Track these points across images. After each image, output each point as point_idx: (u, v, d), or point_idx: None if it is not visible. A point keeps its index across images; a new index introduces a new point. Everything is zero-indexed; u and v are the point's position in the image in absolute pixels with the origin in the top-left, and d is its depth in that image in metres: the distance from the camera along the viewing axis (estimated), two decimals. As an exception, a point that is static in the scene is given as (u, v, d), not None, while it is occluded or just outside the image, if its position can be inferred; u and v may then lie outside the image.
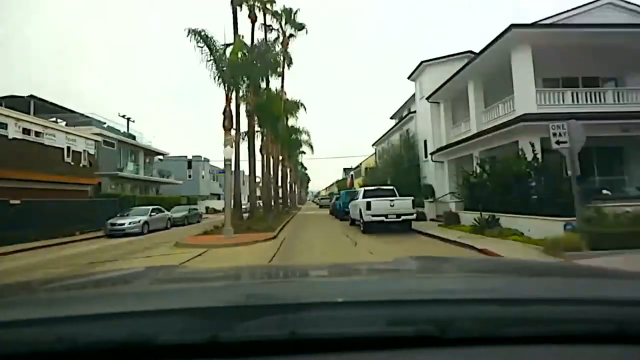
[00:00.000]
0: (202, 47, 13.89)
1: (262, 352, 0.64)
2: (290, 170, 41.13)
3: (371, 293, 0.88)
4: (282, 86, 25.84)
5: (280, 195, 32.25)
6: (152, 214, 18.58)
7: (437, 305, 0.75)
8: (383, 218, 12.61)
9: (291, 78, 38.31)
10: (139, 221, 17.14)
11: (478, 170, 12.52)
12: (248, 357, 0.63)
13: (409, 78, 21.77)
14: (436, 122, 18.70)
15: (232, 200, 16.10)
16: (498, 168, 11.57)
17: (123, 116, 31.46)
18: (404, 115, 25.73)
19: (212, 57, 14.04)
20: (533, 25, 12.64)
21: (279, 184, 30.99)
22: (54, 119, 22.28)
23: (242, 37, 17.56)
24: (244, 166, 21.86)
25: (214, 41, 14.07)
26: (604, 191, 11.20)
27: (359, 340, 0.66)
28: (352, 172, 50.02)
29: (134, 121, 32.37)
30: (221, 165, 18.93)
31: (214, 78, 14.17)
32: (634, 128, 11.35)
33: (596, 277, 1.18)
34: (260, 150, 23.36)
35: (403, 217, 12.69)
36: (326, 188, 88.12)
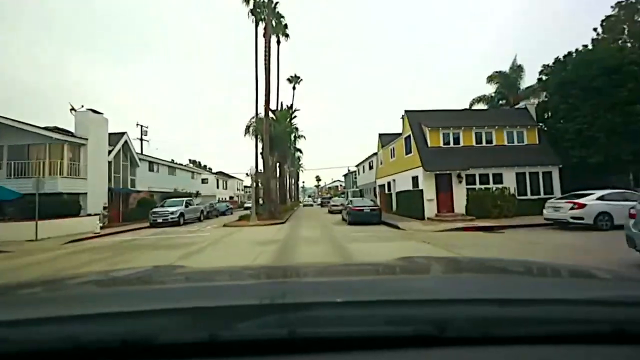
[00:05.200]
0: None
1: (261, 352, 0.64)
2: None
3: (370, 293, 0.87)
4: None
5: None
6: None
7: (436, 305, 0.75)
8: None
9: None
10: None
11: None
12: (247, 356, 0.64)
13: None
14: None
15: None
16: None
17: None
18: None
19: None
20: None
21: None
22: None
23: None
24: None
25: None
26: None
27: (357, 339, 0.65)
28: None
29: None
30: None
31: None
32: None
33: (593, 278, 1.19)
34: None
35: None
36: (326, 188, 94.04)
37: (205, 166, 60.96)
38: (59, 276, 3.28)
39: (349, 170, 51.93)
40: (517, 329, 0.69)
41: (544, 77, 22.21)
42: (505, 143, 18.65)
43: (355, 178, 43.89)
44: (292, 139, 37.78)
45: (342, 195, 45.93)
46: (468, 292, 0.88)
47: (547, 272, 1.39)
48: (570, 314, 0.72)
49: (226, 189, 53.86)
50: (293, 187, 60.90)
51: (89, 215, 17.78)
